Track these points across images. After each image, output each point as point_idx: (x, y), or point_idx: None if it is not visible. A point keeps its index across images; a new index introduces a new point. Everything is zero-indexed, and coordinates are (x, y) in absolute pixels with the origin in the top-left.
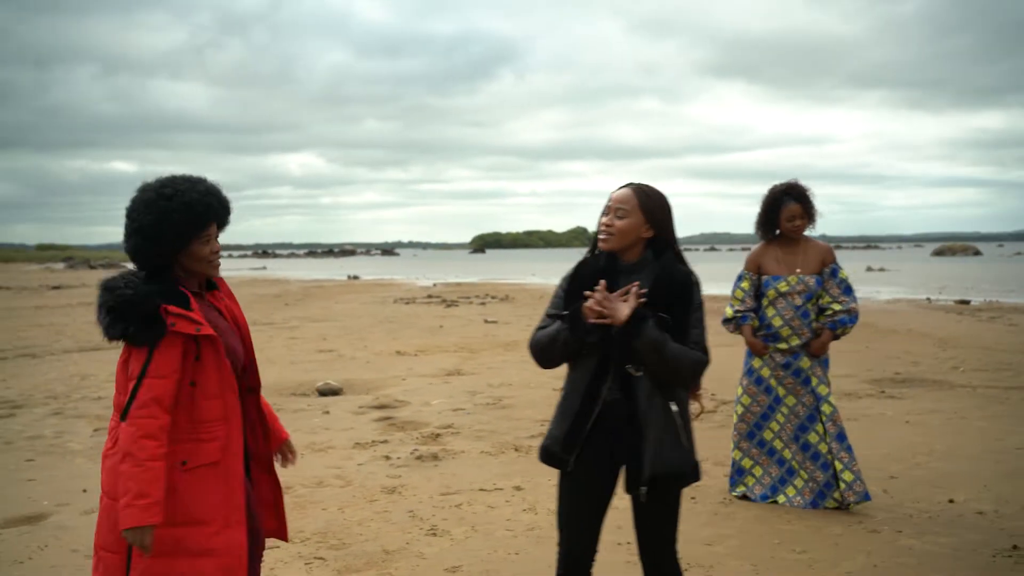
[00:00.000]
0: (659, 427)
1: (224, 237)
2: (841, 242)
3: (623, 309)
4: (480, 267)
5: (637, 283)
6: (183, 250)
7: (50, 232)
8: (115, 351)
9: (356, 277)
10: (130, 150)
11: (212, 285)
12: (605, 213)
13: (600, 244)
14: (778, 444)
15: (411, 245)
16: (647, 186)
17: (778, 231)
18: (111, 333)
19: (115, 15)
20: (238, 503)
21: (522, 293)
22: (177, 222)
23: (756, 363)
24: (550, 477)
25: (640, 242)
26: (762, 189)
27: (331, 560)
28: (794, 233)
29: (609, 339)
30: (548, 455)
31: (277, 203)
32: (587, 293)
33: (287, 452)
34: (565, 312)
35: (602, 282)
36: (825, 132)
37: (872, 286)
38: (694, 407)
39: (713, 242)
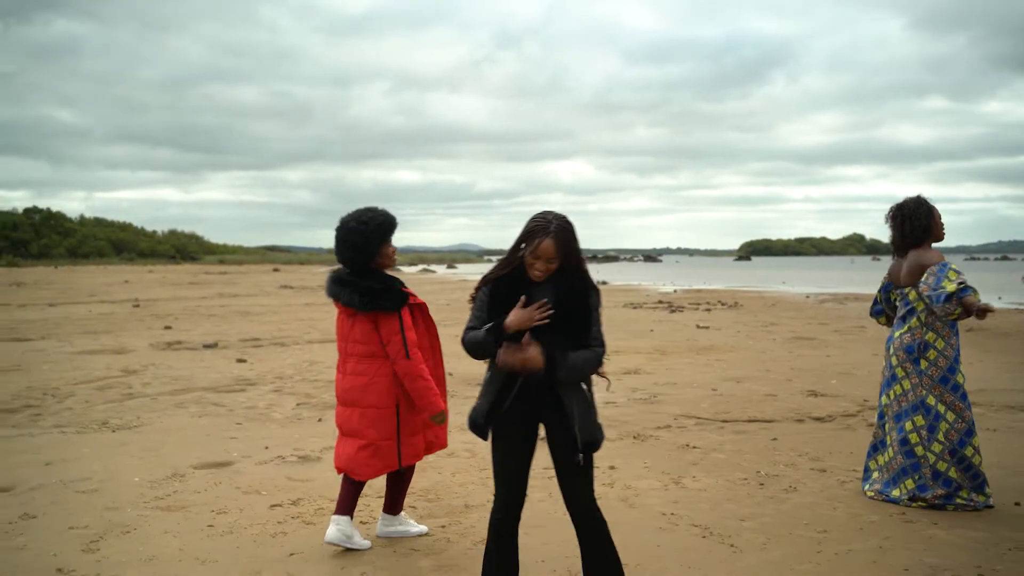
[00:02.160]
0: (580, 405)
1: (495, 243)
2: None
3: (538, 358)
4: (735, 274)
5: (545, 300)
6: (379, 251)
7: None
8: None
9: (604, 283)
10: (413, 160)
11: None
12: (536, 257)
13: (534, 278)
14: (941, 466)
15: (677, 252)
16: (561, 228)
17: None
18: (369, 307)
19: (405, 35)
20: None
21: (755, 301)
22: (376, 236)
23: (960, 379)
24: (645, 461)
25: None
26: None
27: (420, 508)
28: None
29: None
30: (473, 425)
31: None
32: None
33: None
34: (490, 324)
35: (522, 297)
36: None
37: None
38: (603, 382)
39: (1010, 251)
